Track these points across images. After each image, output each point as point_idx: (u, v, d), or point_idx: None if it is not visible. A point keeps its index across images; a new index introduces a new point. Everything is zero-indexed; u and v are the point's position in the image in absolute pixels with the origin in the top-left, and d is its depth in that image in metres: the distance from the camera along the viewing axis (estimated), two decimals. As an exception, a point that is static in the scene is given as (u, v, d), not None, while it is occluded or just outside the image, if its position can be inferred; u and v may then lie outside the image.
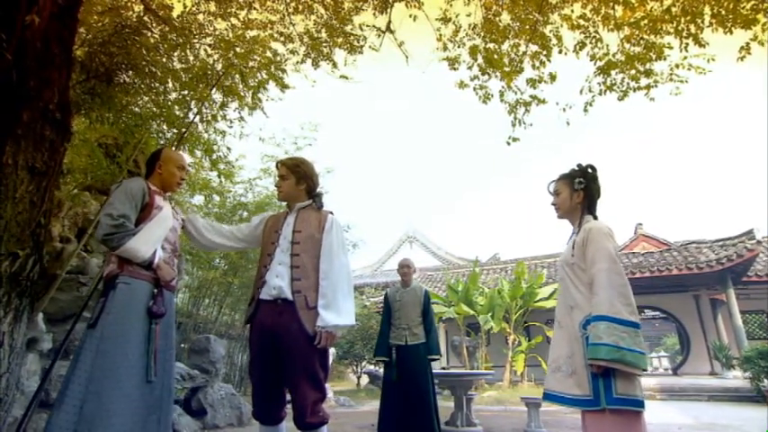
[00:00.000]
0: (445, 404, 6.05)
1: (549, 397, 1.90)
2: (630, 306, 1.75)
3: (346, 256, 2.25)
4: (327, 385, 9.27)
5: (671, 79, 4.54)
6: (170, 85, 3.85)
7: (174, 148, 3.03)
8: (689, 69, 4.41)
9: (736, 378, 10.54)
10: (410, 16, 4.30)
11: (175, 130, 3.64)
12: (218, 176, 5.26)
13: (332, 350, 11.63)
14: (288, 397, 2.13)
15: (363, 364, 13.86)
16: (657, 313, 15.86)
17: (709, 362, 12.88)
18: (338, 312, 2.04)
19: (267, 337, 2.07)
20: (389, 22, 4.47)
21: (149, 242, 2.02)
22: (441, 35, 4.62)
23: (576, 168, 2.10)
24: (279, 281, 2.10)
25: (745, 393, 9.35)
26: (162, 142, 3.78)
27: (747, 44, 4.01)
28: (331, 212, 2.32)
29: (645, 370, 1.73)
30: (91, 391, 1.75)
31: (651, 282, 12.03)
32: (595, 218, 2.05)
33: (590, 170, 2.08)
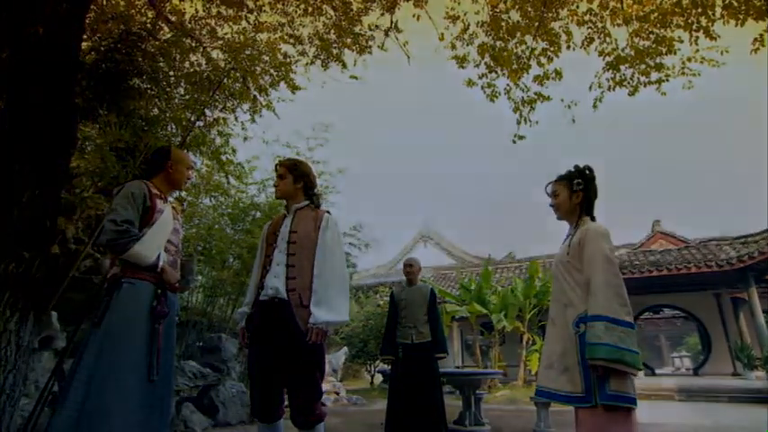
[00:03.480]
0: (456, 403, 6.03)
1: (541, 393, 1.92)
2: (626, 307, 1.77)
3: (342, 253, 2.27)
4: (340, 384, 9.23)
5: (683, 73, 4.45)
6: (178, 89, 3.93)
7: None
8: (701, 62, 4.32)
9: (759, 379, 10.24)
10: (413, 16, 4.30)
11: (183, 133, 3.71)
12: (226, 177, 5.32)
13: (344, 349, 11.66)
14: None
15: (377, 362, 13.86)
16: (678, 312, 15.47)
17: (732, 362, 12.53)
18: (329, 308, 2.05)
19: (264, 336, 2.11)
20: (393, 21, 4.48)
21: (154, 246, 2.05)
22: (442, 35, 4.60)
23: (574, 170, 2.11)
24: (276, 281, 2.13)
25: (768, 395, 9.08)
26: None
27: (761, 35, 3.91)
28: (328, 211, 2.35)
29: (640, 370, 1.75)
30: (93, 388, 1.78)
31: (670, 280, 11.69)
32: (593, 219, 2.06)
33: (587, 171, 2.10)
